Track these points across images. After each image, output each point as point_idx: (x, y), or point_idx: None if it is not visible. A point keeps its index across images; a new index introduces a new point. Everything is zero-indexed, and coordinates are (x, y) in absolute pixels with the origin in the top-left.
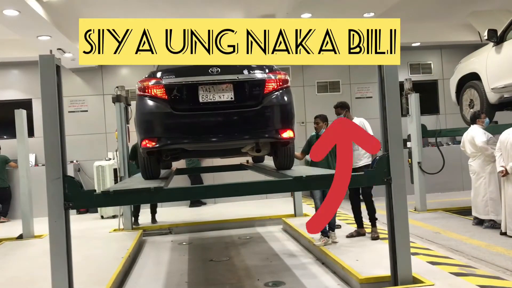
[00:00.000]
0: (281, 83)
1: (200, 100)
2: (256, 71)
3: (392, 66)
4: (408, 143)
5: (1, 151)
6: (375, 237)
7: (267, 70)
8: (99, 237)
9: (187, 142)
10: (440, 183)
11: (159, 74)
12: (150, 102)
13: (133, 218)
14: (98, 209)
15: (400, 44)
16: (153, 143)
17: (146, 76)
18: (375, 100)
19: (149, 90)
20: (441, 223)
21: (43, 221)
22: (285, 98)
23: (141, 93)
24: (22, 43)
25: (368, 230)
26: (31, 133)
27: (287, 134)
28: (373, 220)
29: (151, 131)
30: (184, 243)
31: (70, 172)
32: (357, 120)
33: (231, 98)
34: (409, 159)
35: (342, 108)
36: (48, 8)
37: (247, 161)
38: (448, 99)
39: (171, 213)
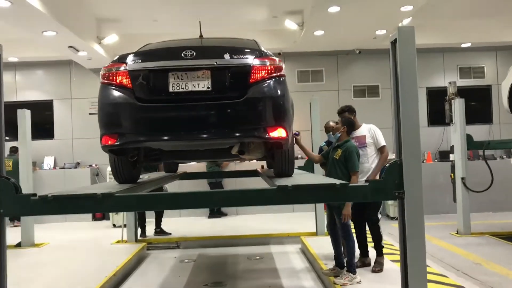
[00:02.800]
0: (272, 71)
1: (170, 90)
2: (240, 56)
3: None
4: (450, 155)
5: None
6: (376, 270)
7: (254, 55)
8: (97, 248)
9: (152, 139)
10: (489, 201)
11: (125, 59)
12: (112, 92)
13: (140, 229)
14: (110, 216)
15: (447, 44)
16: (114, 140)
17: (112, 61)
18: (420, 107)
19: (112, 77)
20: (485, 251)
21: (49, 228)
22: (277, 89)
23: (104, 80)
24: (38, 42)
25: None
26: (51, 135)
27: (278, 133)
28: (378, 248)
29: (112, 126)
30: (187, 261)
31: (87, 176)
32: (365, 127)
33: (208, 87)
34: (452, 174)
35: (350, 112)
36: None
37: (262, 167)
38: (502, 107)
39: (186, 224)
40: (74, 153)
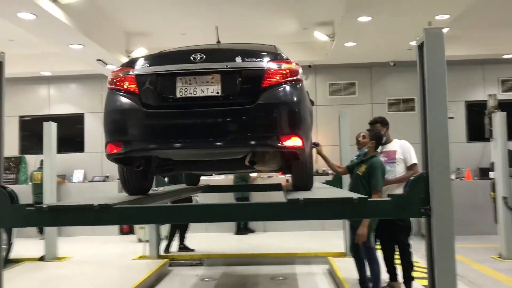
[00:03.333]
0: (287, 75)
1: (178, 95)
2: (253, 59)
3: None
4: (491, 173)
5: None
6: None
7: (268, 58)
8: (118, 264)
9: (158, 148)
10: None
11: (133, 63)
12: (118, 97)
13: (168, 242)
14: (135, 230)
15: (487, 55)
16: (118, 148)
17: (120, 65)
18: (458, 122)
19: (119, 82)
20: None
21: (76, 241)
22: (291, 95)
23: (111, 86)
24: (68, 56)
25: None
26: (81, 148)
27: (292, 142)
28: (407, 277)
29: (116, 133)
30: (207, 280)
31: (114, 189)
32: (397, 143)
33: (217, 92)
34: (492, 193)
35: (383, 124)
36: (70, 12)
37: (287, 181)
38: None
39: (212, 240)
40: (103, 167)
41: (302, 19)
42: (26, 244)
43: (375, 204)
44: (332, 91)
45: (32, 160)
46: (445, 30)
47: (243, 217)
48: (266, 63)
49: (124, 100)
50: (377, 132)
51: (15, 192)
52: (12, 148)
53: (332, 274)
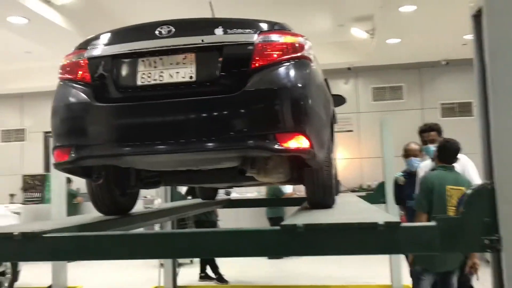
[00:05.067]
0: (287, 51)
1: (139, 83)
2: (239, 30)
3: None
4: None
5: (72, 185)
6: None
7: (260, 28)
8: None
9: (115, 153)
10: None
11: (87, 44)
12: (66, 89)
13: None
14: None
15: None
16: (66, 156)
17: (75, 47)
18: None
19: (69, 70)
20: None
21: (91, 266)
22: (293, 77)
23: (60, 75)
24: None
25: None
26: None
27: (295, 142)
28: None
29: (62, 136)
30: None
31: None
32: None
33: (190, 77)
34: None
35: (439, 133)
36: (66, 14)
37: None
38: None
39: (241, 265)
40: None
41: (336, 14)
42: (37, 269)
43: (409, 232)
44: (376, 96)
45: None
46: None
47: (204, 252)
48: (257, 35)
49: (73, 92)
50: (445, 142)
51: None
52: (36, 165)
53: None
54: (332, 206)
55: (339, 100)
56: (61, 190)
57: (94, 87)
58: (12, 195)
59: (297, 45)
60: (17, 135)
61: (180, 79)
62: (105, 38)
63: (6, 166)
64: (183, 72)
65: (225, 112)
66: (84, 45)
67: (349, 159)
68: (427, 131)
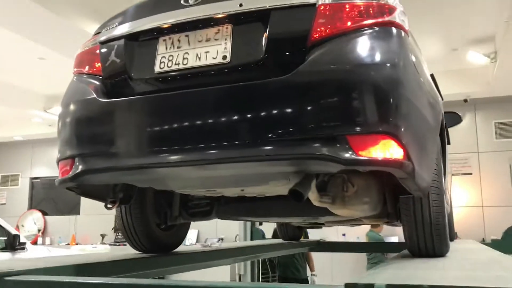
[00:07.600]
0: (366, 15)
1: (158, 69)
2: None
3: None
4: None
5: None
6: None
7: None
8: None
9: (121, 166)
10: None
11: (102, 28)
12: (76, 85)
13: None
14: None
15: None
16: (69, 169)
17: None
18: None
19: (82, 61)
20: None
21: None
22: (377, 51)
23: (75, 69)
24: None
25: None
26: None
27: (379, 150)
28: None
29: (66, 144)
30: None
31: None
32: None
33: (224, 56)
34: None
35: None
36: None
37: None
38: None
39: None
40: (217, 227)
41: (448, 35)
42: None
43: None
44: (500, 133)
45: None
46: None
47: None
48: None
49: (81, 87)
50: None
51: None
52: None
53: None
54: (444, 254)
55: (453, 118)
56: None
57: (104, 80)
58: (103, 236)
59: (383, 6)
60: None
61: (209, 62)
62: (121, 16)
63: (99, 205)
64: (214, 51)
65: (270, 103)
66: (100, 29)
67: (468, 207)
68: None
